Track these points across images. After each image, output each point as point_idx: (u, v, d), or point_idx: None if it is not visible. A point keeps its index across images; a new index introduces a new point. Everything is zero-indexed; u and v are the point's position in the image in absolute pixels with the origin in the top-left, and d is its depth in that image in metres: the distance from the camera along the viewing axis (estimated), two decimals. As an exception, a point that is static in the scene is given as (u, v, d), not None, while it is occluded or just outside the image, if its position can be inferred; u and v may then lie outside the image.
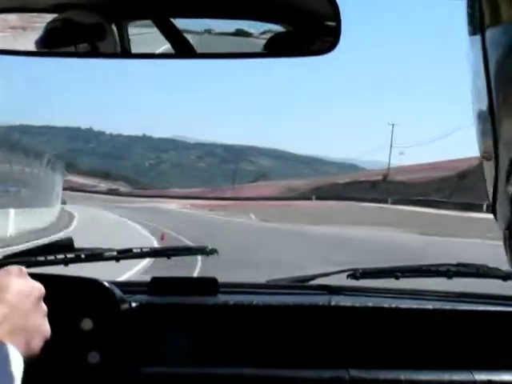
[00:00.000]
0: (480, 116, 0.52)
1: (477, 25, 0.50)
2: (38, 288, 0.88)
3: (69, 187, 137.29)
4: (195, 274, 9.94)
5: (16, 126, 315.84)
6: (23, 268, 0.87)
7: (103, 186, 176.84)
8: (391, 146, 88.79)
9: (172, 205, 78.48)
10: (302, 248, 17.75)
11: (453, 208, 48.75)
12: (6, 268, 0.86)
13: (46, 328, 0.86)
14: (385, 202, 61.26)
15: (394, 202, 60.15)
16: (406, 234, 26.01)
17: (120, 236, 18.99)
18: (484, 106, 0.50)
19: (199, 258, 10.39)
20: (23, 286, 0.85)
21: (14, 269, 0.87)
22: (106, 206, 59.10)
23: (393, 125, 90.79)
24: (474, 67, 0.52)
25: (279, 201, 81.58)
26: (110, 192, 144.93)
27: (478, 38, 0.50)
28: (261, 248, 17.07)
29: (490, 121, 0.49)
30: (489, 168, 0.53)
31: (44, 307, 0.88)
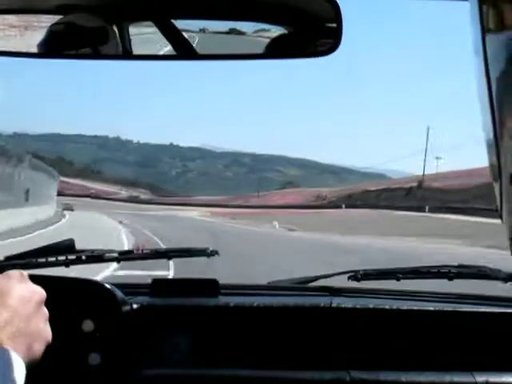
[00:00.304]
0: (484, 122, 0.52)
1: (478, 32, 0.50)
2: (39, 292, 0.87)
3: (85, 194, 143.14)
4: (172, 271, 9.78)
5: (47, 135, 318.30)
6: (24, 272, 0.87)
7: (124, 193, 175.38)
8: (426, 151, 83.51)
9: (192, 213, 76.25)
10: (334, 266, 13.21)
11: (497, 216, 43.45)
12: (7, 272, 0.86)
13: (47, 332, 0.86)
14: (421, 209, 56.36)
15: (432, 210, 55.17)
16: (471, 247, 21.50)
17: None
18: (487, 112, 0.49)
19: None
20: (24, 291, 0.84)
21: (15, 273, 0.86)
22: (111, 213, 56.52)
23: (428, 128, 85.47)
24: (477, 73, 0.52)
25: (307, 209, 79.05)
26: (131, 199, 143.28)
27: (479, 44, 0.50)
28: (275, 262, 13.69)
29: (492, 126, 0.49)
30: (496, 176, 0.53)
31: (45, 311, 0.87)
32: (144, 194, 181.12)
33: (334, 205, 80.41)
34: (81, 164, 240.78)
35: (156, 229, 28.50)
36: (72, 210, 50.62)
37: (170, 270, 10.01)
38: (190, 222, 47.11)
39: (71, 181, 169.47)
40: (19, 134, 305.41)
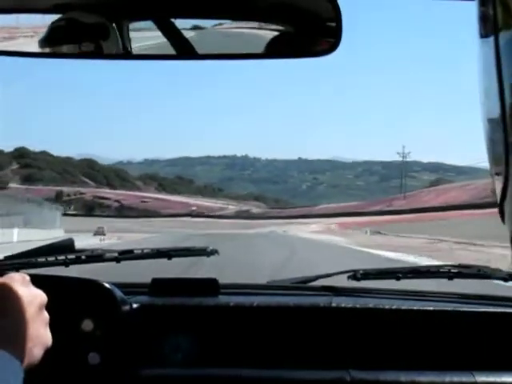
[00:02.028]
0: (490, 118, 0.51)
1: (490, 28, 0.49)
2: (40, 296, 0.86)
3: (185, 213, 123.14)
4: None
5: (178, 159, 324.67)
6: (26, 276, 0.86)
7: (232, 208, 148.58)
8: None
9: (311, 226, 60.81)
10: None
11: None
12: (8, 275, 0.85)
13: (47, 337, 0.85)
14: None
15: None
16: None
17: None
18: (495, 108, 0.49)
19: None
20: (25, 294, 0.83)
21: (16, 276, 0.86)
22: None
23: None
24: (485, 69, 0.51)
25: (483, 208, 50.30)
26: (238, 215, 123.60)
27: (490, 40, 0.49)
28: None
29: (500, 123, 0.48)
30: (498, 170, 0.51)
31: (46, 316, 0.86)
32: (256, 208, 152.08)
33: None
34: (205, 183, 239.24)
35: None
36: (104, 234, 45.07)
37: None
38: (293, 246, 24.42)
39: (171, 198, 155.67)
40: (150, 160, 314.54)
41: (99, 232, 47.04)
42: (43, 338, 0.84)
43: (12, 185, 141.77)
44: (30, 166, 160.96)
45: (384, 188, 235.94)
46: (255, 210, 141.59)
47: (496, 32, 0.48)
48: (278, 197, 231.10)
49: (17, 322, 0.80)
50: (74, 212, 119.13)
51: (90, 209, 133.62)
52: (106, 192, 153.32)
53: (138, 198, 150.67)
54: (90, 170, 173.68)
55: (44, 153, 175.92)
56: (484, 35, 0.51)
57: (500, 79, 0.48)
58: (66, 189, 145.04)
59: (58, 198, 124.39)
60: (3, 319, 0.78)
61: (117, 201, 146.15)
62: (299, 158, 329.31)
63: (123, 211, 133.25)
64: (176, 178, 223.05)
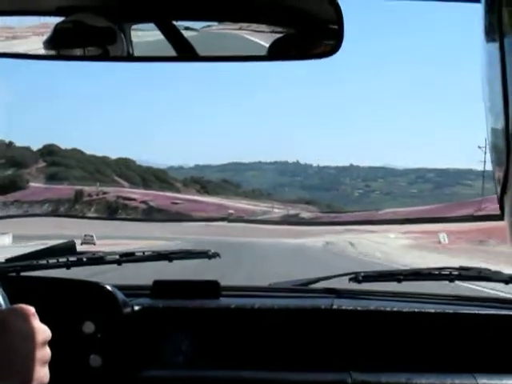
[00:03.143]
0: (494, 124, 0.51)
1: (495, 32, 0.49)
2: (43, 331, 0.83)
3: (221, 217, 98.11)
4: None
5: (229, 164, 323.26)
6: (32, 309, 0.84)
7: (278, 211, 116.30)
8: None
9: (389, 236, 41.63)
10: None
11: None
12: (14, 307, 0.83)
13: (44, 375, 0.83)
14: None
15: None
16: None
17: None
18: (499, 114, 0.49)
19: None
20: (27, 328, 0.81)
21: (21, 309, 0.83)
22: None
23: None
24: (489, 74, 0.51)
25: None
26: (285, 220, 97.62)
27: (495, 45, 0.49)
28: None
29: (503, 128, 0.48)
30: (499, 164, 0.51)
31: (47, 352, 0.84)
32: (306, 211, 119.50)
33: None
34: (254, 188, 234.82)
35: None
36: (93, 243, 36.57)
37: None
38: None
39: (207, 200, 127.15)
40: (201, 165, 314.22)
41: (87, 240, 38.49)
42: (40, 376, 0.81)
43: (33, 184, 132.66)
44: (58, 165, 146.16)
45: (437, 196, 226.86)
46: (305, 215, 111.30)
47: (501, 37, 0.48)
48: (330, 203, 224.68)
49: (11, 358, 0.78)
50: (94, 215, 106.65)
51: (114, 211, 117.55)
52: (131, 192, 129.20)
53: (168, 200, 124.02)
54: (126, 170, 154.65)
55: (75, 150, 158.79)
56: (490, 40, 0.50)
57: (505, 86, 0.48)
58: (88, 188, 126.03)
59: (77, 199, 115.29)
60: None
61: (143, 202, 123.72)
62: (351, 165, 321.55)
63: (151, 214, 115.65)
64: (222, 181, 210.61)
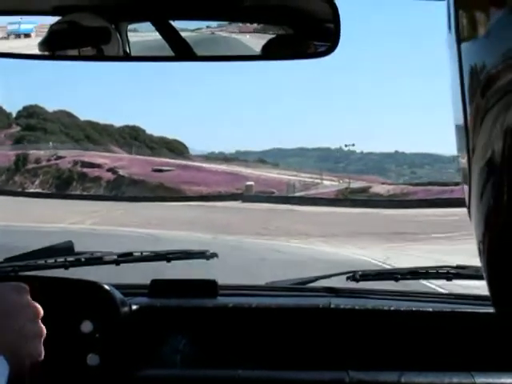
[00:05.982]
0: (457, 124, 0.53)
1: (454, 37, 0.50)
2: (34, 306, 0.83)
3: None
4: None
5: (270, 150, 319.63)
6: (24, 285, 0.84)
7: (330, 183, 55.82)
8: None
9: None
10: None
11: None
12: (6, 283, 0.84)
13: (36, 351, 0.82)
14: None
15: None
16: None
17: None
18: (459, 115, 0.50)
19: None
20: (19, 302, 0.82)
21: (12, 284, 0.84)
22: None
23: None
24: (452, 77, 0.52)
25: None
26: (344, 199, 41.78)
27: (455, 49, 0.50)
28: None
29: (464, 129, 0.50)
30: (465, 175, 0.52)
31: (40, 328, 0.83)
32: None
33: None
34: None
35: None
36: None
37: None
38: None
39: (213, 167, 64.79)
40: (242, 151, 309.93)
41: None
42: (30, 351, 0.81)
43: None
44: (34, 129, 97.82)
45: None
46: (380, 189, 46.43)
47: (458, 42, 0.49)
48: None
49: (1, 331, 0.78)
50: (37, 190, 60.16)
51: (65, 183, 63.25)
52: (98, 155, 71.01)
53: (149, 165, 65.60)
54: (131, 139, 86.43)
55: (62, 112, 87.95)
56: (450, 44, 0.52)
57: (462, 89, 0.49)
58: (42, 153, 73.34)
59: (18, 167, 67.23)
60: None
61: (111, 169, 65.72)
62: (396, 151, 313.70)
63: (119, 187, 60.83)
64: (258, 160, 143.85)
